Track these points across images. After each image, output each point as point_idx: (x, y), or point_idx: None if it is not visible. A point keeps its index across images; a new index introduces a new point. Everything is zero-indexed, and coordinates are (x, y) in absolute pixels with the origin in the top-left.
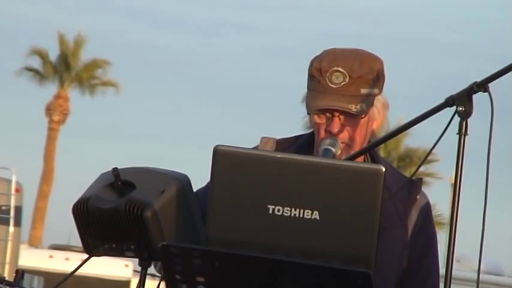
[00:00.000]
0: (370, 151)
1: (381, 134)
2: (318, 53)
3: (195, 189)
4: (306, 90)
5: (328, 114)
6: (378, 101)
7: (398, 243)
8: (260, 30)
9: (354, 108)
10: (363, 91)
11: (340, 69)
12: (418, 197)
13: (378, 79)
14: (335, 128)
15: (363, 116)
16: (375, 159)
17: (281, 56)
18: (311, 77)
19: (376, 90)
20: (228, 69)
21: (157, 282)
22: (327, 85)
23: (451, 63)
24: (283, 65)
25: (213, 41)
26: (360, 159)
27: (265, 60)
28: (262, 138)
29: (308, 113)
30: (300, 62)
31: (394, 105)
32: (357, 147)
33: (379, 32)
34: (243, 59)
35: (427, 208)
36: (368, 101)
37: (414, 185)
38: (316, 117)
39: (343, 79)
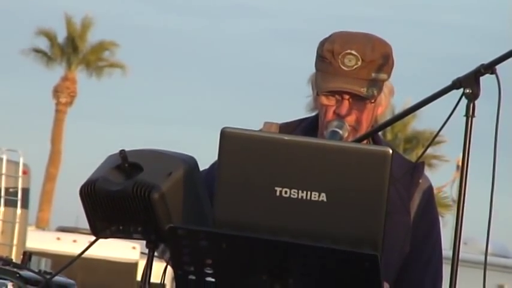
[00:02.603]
0: (373, 135)
1: (383, 120)
2: (326, 35)
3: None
4: (312, 72)
5: (337, 97)
6: (386, 87)
7: (401, 228)
8: (269, 13)
9: (365, 91)
10: (374, 75)
11: (353, 52)
12: (420, 181)
13: (387, 64)
14: (344, 110)
15: (373, 100)
16: (377, 143)
17: (290, 39)
18: (322, 58)
19: (385, 76)
20: (236, 52)
21: (165, 264)
22: (339, 67)
23: (460, 45)
24: (292, 48)
25: (221, 24)
26: (363, 142)
27: (273, 43)
28: (265, 123)
29: (317, 94)
30: (309, 45)
31: (401, 88)
32: (362, 131)
33: (388, 14)
34: (252, 41)
35: (429, 191)
36: (378, 85)
37: (416, 168)
38: (324, 98)
39: (356, 62)
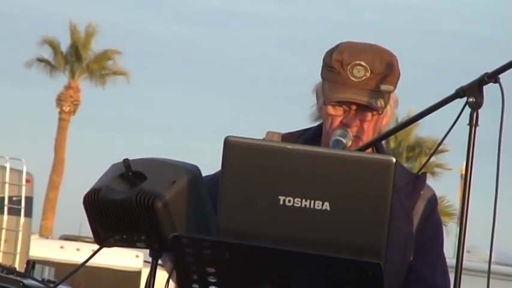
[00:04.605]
0: (376, 144)
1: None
2: (332, 45)
3: None
4: (316, 81)
5: (345, 107)
6: (391, 98)
7: (402, 235)
8: (272, 21)
9: (373, 103)
10: (382, 87)
11: (362, 63)
12: (422, 192)
13: (394, 76)
14: (351, 121)
15: (380, 111)
16: (380, 152)
17: (293, 48)
18: (330, 68)
19: (392, 87)
20: (240, 60)
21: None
22: (348, 78)
23: (463, 54)
24: (295, 56)
25: (225, 32)
26: (368, 151)
27: (277, 52)
28: (268, 132)
29: (324, 103)
30: (312, 53)
31: (404, 96)
32: (366, 140)
33: (390, 22)
34: (256, 50)
35: (433, 199)
36: (385, 97)
37: (419, 180)
38: (331, 108)
39: (364, 73)
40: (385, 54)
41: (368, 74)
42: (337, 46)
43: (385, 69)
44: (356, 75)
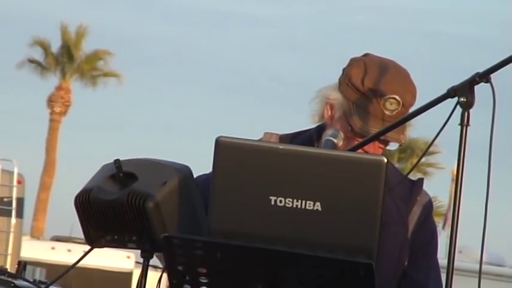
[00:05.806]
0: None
1: None
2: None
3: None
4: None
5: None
6: None
7: (398, 238)
8: (266, 22)
9: (403, 139)
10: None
11: (396, 97)
12: (418, 197)
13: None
14: (372, 149)
15: (403, 142)
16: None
17: (287, 49)
18: (360, 93)
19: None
20: (233, 61)
21: (159, 273)
22: (381, 110)
23: (457, 55)
24: (290, 57)
25: (217, 32)
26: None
27: (271, 53)
28: (266, 133)
29: (350, 129)
30: (307, 54)
31: None
32: None
33: (384, 23)
34: (249, 51)
35: (429, 205)
36: (406, 128)
37: (416, 185)
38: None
39: (396, 107)
40: (411, 83)
41: (399, 108)
42: (366, 68)
43: (412, 101)
44: (389, 108)
